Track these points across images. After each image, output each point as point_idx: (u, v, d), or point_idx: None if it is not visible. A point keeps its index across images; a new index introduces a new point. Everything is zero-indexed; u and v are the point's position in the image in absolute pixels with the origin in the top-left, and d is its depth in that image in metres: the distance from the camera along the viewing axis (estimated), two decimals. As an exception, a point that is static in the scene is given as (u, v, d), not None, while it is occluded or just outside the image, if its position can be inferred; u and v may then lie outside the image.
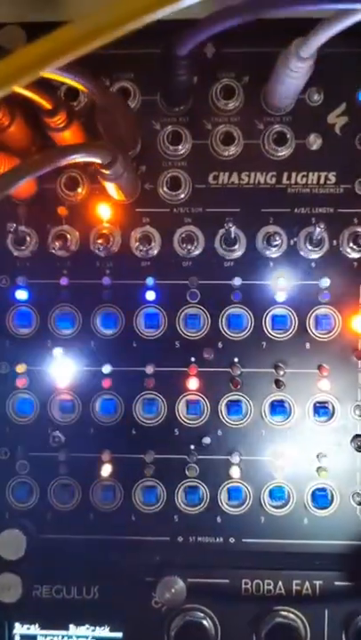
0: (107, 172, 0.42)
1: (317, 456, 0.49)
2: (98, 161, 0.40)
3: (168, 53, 0.43)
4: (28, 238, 0.50)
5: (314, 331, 0.49)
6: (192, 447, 0.50)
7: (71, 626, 0.51)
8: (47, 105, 0.41)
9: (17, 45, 0.48)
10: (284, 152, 0.49)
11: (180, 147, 0.49)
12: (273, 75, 0.45)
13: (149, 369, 0.50)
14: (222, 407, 0.50)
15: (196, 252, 0.50)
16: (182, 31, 0.41)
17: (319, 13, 0.40)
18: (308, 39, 0.39)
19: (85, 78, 0.37)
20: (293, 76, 0.43)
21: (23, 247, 0.50)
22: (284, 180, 0.50)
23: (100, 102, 0.39)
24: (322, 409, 0.50)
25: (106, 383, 0.50)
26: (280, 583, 0.50)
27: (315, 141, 0.49)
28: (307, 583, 0.50)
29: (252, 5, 0.36)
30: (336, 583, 0.50)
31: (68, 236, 0.49)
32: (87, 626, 0.51)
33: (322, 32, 0.37)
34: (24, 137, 0.46)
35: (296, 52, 0.40)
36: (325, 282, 0.49)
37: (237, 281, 0.49)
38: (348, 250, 0.49)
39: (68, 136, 0.44)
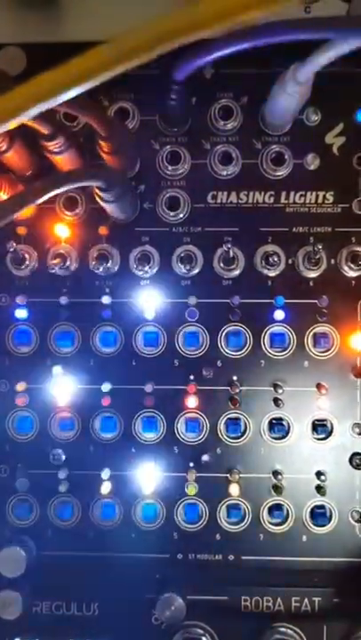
0: (105, 195, 0.42)
1: (316, 474, 0.50)
2: (97, 185, 0.40)
3: (166, 78, 0.44)
4: (27, 257, 0.50)
5: (312, 349, 0.50)
6: (191, 465, 0.50)
7: (71, 642, 0.51)
8: (45, 130, 0.41)
9: (17, 67, 0.48)
10: (282, 172, 0.50)
11: (178, 166, 0.50)
12: (271, 96, 0.46)
13: (149, 387, 0.50)
14: (221, 425, 0.50)
15: (195, 271, 0.50)
16: (181, 56, 0.41)
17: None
18: (306, 63, 0.39)
19: (92, 112, 0.37)
20: (290, 99, 0.43)
21: (23, 266, 0.50)
22: (283, 200, 0.50)
23: (105, 134, 0.39)
24: (320, 427, 0.50)
25: (105, 401, 0.51)
26: (279, 600, 0.50)
27: (313, 161, 0.50)
28: (306, 600, 0.50)
29: (252, 32, 0.36)
30: (335, 600, 0.50)
31: (68, 255, 0.50)
32: (87, 642, 0.51)
33: (320, 57, 0.38)
34: (22, 160, 0.47)
35: (294, 75, 0.41)
36: (324, 300, 0.49)
37: (236, 300, 0.50)
38: (346, 268, 0.49)
39: (67, 159, 0.44)
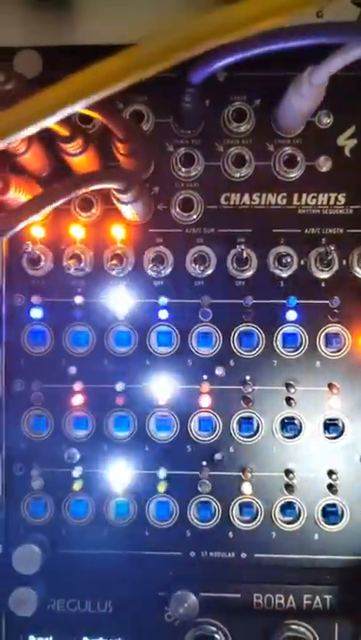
0: (123, 196, 0.43)
1: (328, 472, 0.50)
2: (115, 187, 0.41)
3: (180, 81, 0.44)
4: (42, 258, 0.51)
5: (324, 349, 0.50)
6: (204, 463, 0.51)
7: (85, 638, 0.52)
8: (64, 132, 0.42)
9: (33, 70, 0.49)
10: (294, 174, 0.50)
11: (192, 168, 0.50)
12: (284, 99, 0.46)
13: (162, 387, 0.51)
14: (234, 424, 0.51)
15: (208, 272, 0.50)
16: (197, 59, 0.42)
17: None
18: (321, 67, 0.40)
19: (111, 114, 0.38)
20: (305, 101, 0.44)
21: (38, 266, 0.51)
22: (295, 201, 0.51)
23: (122, 136, 0.40)
24: (332, 426, 0.50)
25: (119, 400, 0.51)
26: (291, 597, 0.51)
27: (325, 163, 0.50)
28: (317, 598, 0.51)
29: (268, 37, 0.37)
30: (346, 597, 0.50)
31: (83, 255, 0.50)
32: (101, 639, 0.52)
33: (335, 60, 0.38)
34: (39, 161, 0.47)
35: (309, 78, 0.41)
36: (336, 301, 0.50)
37: (249, 300, 0.50)
38: (358, 269, 0.50)
39: (84, 161, 0.45)
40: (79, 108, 0.29)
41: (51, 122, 0.28)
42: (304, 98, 0.43)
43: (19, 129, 0.28)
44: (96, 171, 0.45)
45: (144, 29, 0.51)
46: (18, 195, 0.44)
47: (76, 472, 0.51)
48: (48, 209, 0.36)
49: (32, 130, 0.28)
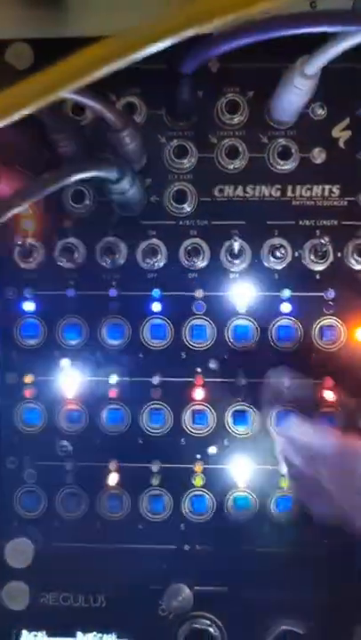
0: (116, 187, 0.43)
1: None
2: (108, 176, 0.41)
3: (173, 71, 0.44)
4: (34, 250, 0.50)
5: (319, 342, 0.50)
6: (198, 456, 0.51)
7: (78, 633, 0.51)
8: (54, 124, 0.41)
9: (24, 62, 0.48)
10: (288, 165, 0.50)
11: (185, 160, 0.50)
12: (277, 91, 0.46)
13: (156, 379, 0.51)
14: (228, 417, 0.50)
15: (202, 265, 0.50)
16: (188, 48, 0.42)
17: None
18: (313, 57, 0.40)
19: (102, 103, 0.38)
20: (298, 92, 0.43)
21: (30, 259, 0.50)
22: (289, 193, 0.50)
23: (118, 127, 0.40)
24: (327, 419, 0.50)
25: (112, 393, 0.51)
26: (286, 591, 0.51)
27: (319, 155, 0.50)
28: (312, 591, 0.50)
29: (263, 25, 0.36)
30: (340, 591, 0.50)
31: (75, 248, 0.50)
32: (94, 633, 0.51)
33: (328, 51, 0.38)
34: (32, 152, 0.47)
35: (301, 69, 0.41)
36: (330, 293, 0.50)
37: (243, 293, 0.50)
38: (353, 261, 0.50)
39: (75, 152, 0.45)
40: (66, 93, 0.28)
41: (39, 105, 0.27)
42: (296, 89, 0.43)
43: (8, 113, 0.28)
44: (89, 159, 0.45)
45: (137, 22, 0.51)
46: (10, 186, 0.44)
47: (69, 465, 0.51)
48: (39, 197, 0.36)
49: (10, 119, 0.27)
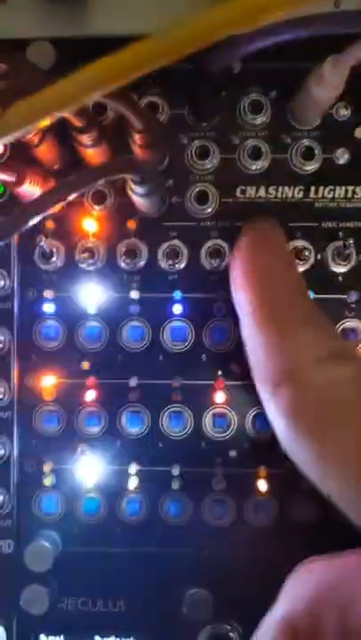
0: (139, 188, 0.42)
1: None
2: (132, 178, 0.40)
3: (196, 72, 0.44)
4: (55, 251, 0.50)
5: (341, 344, 0.49)
6: (219, 460, 0.50)
7: (97, 638, 0.51)
8: (79, 123, 0.41)
9: (46, 61, 0.48)
10: (311, 166, 0.49)
11: (207, 161, 0.49)
12: (303, 90, 0.45)
13: (176, 382, 0.50)
14: (249, 420, 0.50)
15: (223, 266, 0.50)
16: (215, 49, 0.41)
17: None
18: (342, 57, 0.39)
19: (129, 103, 0.37)
20: (325, 93, 0.43)
21: (50, 260, 0.50)
22: (312, 194, 0.50)
23: (141, 127, 0.39)
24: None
25: (132, 396, 0.50)
26: (306, 596, 0.50)
27: (342, 156, 0.49)
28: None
29: (293, 24, 0.36)
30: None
31: (96, 249, 0.50)
32: (113, 638, 0.51)
33: (358, 50, 0.38)
34: (53, 153, 0.46)
35: (330, 69, 0.40)
36: (352, 295, 0.49)
37: (265, 295, 0.50)
38: (376, 264, 0.49)
39: (99, 152, 0.44)
40: (98, 96, 0.28)
41: (70, 110, 0.27)
42: (324, 89, 0.42)
43: (37, 117, 0.28)
44: (113, 161, 0.44)
45: (158, 21, 0.51)
46: (32, 187, 0.44)
47: (87, 469, 0.50)
48: (65, 201, 0.35)
49: (49, 119, 0.27)
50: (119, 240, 0.50)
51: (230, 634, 0.50)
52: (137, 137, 0.41)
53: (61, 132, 0.46)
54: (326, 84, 0.41)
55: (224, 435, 0.50)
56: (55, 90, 0.27)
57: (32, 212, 0.33)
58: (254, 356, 0.43)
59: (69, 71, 0.48)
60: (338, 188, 0.50)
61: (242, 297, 0.44)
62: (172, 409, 0.50)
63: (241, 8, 0.24)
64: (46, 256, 0.50)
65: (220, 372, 0.50)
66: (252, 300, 0.43)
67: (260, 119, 0.49)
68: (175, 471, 0.50)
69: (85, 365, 0.51)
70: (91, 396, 0.50)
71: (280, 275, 0.44)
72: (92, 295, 0.50)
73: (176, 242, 0.50)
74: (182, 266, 0.50)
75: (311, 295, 0.49)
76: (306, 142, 0.49)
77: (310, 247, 0.49)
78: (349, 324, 0.50)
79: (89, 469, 0.50)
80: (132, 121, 0.39)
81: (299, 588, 0.35)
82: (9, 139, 0.26)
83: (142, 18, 0.51)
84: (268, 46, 0.41)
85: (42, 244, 0.49)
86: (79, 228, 0.50)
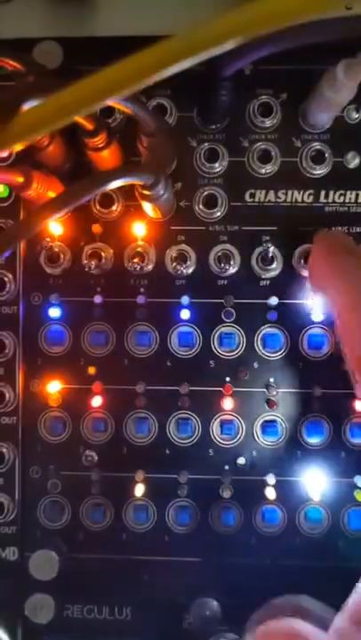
0: (148, 192, 0.41)
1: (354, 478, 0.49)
2: (142, 182, 0.40)
3: (211, 74, 0.43)
4: (61, 255, 0.49)
5: (351, 351, 0.49)
6: (226, 468, 0.50)
7: (102, 646, 0.51)
8: (89, 125, 0.40)
9: (54, 61, 0.47)
10: (321, 170, 0.49)
11: (216, 164, 0.49)
12: (314, 93, 0.45)
13: (183, 388, 0.50)
14: (257, 427, 0.49)
15: (232, 271, 0.49)
16: (228, 52, 0.40)
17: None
18: (356, 62, 0.38)
19: (139, 106, 0.36)
20: (338, 96, 0.42)
21: (56, 264, 0.49)
22: (322, 199, 0.49)
23: (150, 130, 0.39)
24: (358, 430, 0.49)
25: (139, 402, 0.50)
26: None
27: (353, 159, 0.49)
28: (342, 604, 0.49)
29: (307, 30, 0.35)
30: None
31: (103, 253, 0.49)
32: (118, 646, 0.50)
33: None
34: (61, 155, 0.46)
35: (343, 72, 0.40)
36: (363, 301, 0.49)
37: (274, 300, 0.49)
38: (386, 269, 0.48)
39: (107, 155, 0.44)
40: (112, 100, 0.27)
41: (85, 113, 0.26)
42: (337, 92, 0.42)
43: (51, 122, 0.27)
44: (123, 165, 0.43)
45: (167, 21, 0.50)
46: (39, 190, 0.43)
47: (95, 475, 0.50)
48: (74, 205, 0.35)
49: (67, 121, 0.26)
50: (126, 244, 0.49)
51: (237, 643, 0.49)
52: (146, 140, 0.40)
53: (69, 134, 0.45)
54: (339, 87, 0.41)
55: (232, 442, 0.49)
56: (72, 93, 0.26)
57: (39, 218, 0.33)
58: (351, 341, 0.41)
59: (76, 71, 0.47)
60: (348, 192, 0.49)
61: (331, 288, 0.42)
62: (179, 415, 0.50)
63: (267, 9, 0.23)
64: (52, 260, 0.49)
65: (227, 379, 0.49)
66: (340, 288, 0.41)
67: (269, 122, 0.48)
68: (182, 478, 0.49)
69: (91, 371, 0.50)
70: (97, 401, 0.50)
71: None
72: (99, 300, 0.50)
73: (184, 246, 0.49)
74: (190, 270, 0.49)
75: (319, 301, 0.49)
76: (316, 146, 0.48)
77: (320, 252, 0.48)
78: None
79: (95, 476, 0.50)
80: (143, 124, 0.38)
81: None
82: (27, 140, 0.25)
83: (150, 18, 0.51)
84: (279, 50, 0.41)
85: (48, 247, 0.48)
86: (86, 231, 0.50)
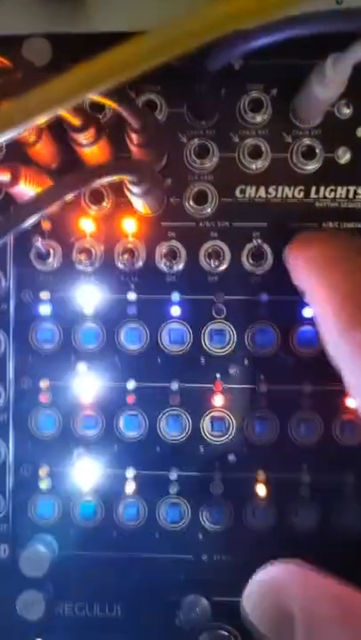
0: (136, 188, 0.41)
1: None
2: (129, 178, 0.39)
3: (195, 69, 0.43)
4: (51, 252, 0.49)
5: (342, 347, 0.49)
6: (217, 464, 0.49)
7: (93, 643, 0.51)
8: (77, 122, 0.40)
9: (43, 58, 0.47)
10: (312, 166, 0.48)
11: (206, 160, 0.48)
12: (304, 88, 0.45)
13: (174, 385, 0.49)
14: (248, 424, 0.49)
15: (222, 267, 0.49)
16: (215, 46, 0.40)
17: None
18: (345, 57, 0.38)
19: (126, 102, 0.36)
20: (327, 90, 0.42)
21: (47, 261, 0.49)
22: (313, 194, 0.49)
23: (137, 126, 0.38)
24: (348, 427, 0.49)
25: (130, 399, 0.50)
26: (305, 602, 0.49)
27: (343, 155, 0.48)
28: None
29: (295, 21, 0.35)
30: None
31: (93, 250, 0.49)
32: (110, 643, 0.50)
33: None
34: (49, 152, 0.46)
35: (332, 67, 0.40)
36: (354, 298, 0.48)
37: (264, 296, 0.49)
38: (377, 265, 0.48)
39: (96, 151, 0.43)
40: (93, 94, 0.27)
41: (65, 108, 0.26)
42: (326, 87, 0.41)
43: (31, 116, 0.27)
44: (110, 162, 0.43)
45: (156, 17, 0.50)
46: (27, 186, 0.43)
47: (84, 473, 0.50)
48: (59, 202, 0.34)
49: (45, 117, 0.26)
50: (116, 240, 0.49)
51: (228, 640, 0.49)
52: (134, 136, 0.40)
53: (58, 130, 0.45)
54: (328, 82, 0.40)
55: (223, 438, 0.49)
56: (49, 89, 0.26)
57: (27, 212, 0.33)
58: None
59: (65, 67, 0.47)
60: (339, 188, 0.49)
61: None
62: (169, 412, 0.49)
63: (244, 4, 0.23)
64: (42, 257, 0.49)
65: (218, 375, 0.49)
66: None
67: (260, 117, 0.48)
68: (173, 475, 0.49)
69: (82, 368, 0.50)
70: (87, 399, 0.50)
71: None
72: (89, 296, 0.49)
73: (174, 242, 0.49)
74: (181, 267, 0.49)
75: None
76: (307, 141, 0.48)
77: (311, 248, 0.48)
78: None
79: (86, 473, 0.50)
80: (129, 120, 0.38)
81: None
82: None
83: (140, 14, 0.50)
84: (268, 44, 0.40)
85: (38, 244, 0.48)
86: (76, 228, 0.49)
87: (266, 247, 0.48)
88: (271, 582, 0.35)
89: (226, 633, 0.49)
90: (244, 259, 0.49)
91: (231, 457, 0.49)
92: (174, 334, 0.49)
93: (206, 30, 0.23)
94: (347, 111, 0.48)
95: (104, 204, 0.49)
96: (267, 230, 0.49)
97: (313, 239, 0.44)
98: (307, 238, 0.44)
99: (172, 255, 0.49)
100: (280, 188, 0.49)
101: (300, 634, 0.32)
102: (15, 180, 0.41)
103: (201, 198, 0.49)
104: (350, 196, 0.49)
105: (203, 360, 0.50)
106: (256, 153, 0.48)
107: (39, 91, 0.26)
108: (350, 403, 0.49)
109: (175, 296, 0.49)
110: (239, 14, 0.23)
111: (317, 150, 0.48)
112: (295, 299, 0.49)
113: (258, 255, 0.48)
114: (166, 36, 0.23)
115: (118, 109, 0.36)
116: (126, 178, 0.39)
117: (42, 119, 0.25)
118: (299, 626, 0.32)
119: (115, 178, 0.37)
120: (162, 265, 0.49)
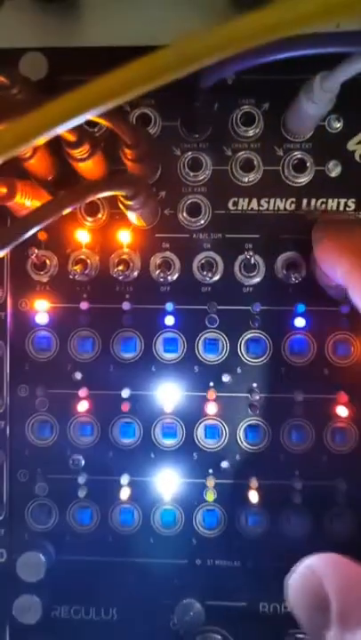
0: (130, 202, 0.42)
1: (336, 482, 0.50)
2: (123, 193, 0.40)
3: (189, 84, 0.44)
4: (47, 262, 0.50)
5: (332, 356, 0.50)
6: (210, 471, 0.50)
7: (89, 646, 0.51)
8: (72, 137, 0.41)
9: (39, 72, 0.48)
10: (303, 179, 0.49)
11: (199, 173, 0.49)
12: (295, 104, 0.45)
13: (169, 393, 0.50)
14: (241, 432, 0.50)
15: (216, 278, 0.50)
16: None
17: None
18: (333, 74, 0.39)
19: (118, 119, 0.37)
20: (316, 106, 0.43)
21: (43, 271, 0.50)
22: (304, 207, 0.50)
23: (130, 142, 0.39)
24: (339, 434, 0.50)
25: (125, 407, 0.51)
26: (297, 606, 0.50)
27: (334, 168, 0.49)
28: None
29: (285, 44, 0.36)
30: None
31: (89, 260, 0.50)
32: (105, 646, 0.51)
33: (349, 68, 0.38)
34: (45, 166, 0.46)
35: (321, 84, 0.40)
36: (345, 308, 0.49)
37: (257, 307, 0.50)
38: (367, 276, 0.49)
39: (91, 165, 0.44)
40: (89, 117, 0.28)
41: (61, 130, 0.27)
42: (315, 104, 0.42)
43: (28, 140, 0.27)
44: (103, 178, 0.44)
45: (153, 31, 0.51)
46: (23, 200, 0.44)
47: (81, 479, 0.50)
48: (54, 218, 0.35)
49: (41, 139, 0.27)
50: (112, 251, 0.50)
51: (221, 643, 0.50)
52: (127, 151, 0.41)
53: (53, 144, 0.46)
54: (317, 99, 0.41)
55: (215, 446, 0.50)
56: (44, 112, 0.27)
57: (23, 228, 0.33)
58: None
59: (62, 82, 0.48)
60: (330, 200, 0.50)
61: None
62: (163, 420, 0.50)
63: (258, 24, 0.23)
64: (39, 267, 0.50)
65: (211, 384, 0.50)
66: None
67: (252, 131, 0.49)
68: (167, 482, 0.50)
69: (78, 376, 0.51)
70: (83, 406, 0.51)
71: None
72: (85, 306, 0.50)
73: (168, 253, 0.50)
74: (175, 277, 0.50)
75: (303, 308, 0.50)
76: (298, 154, 0.49)
77: (302, 260, 0.49)
78: (341, 336, 0.50)
79: (82, 479, 0.51)
80: (122, 137, 0.39)
81: None
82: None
83: (136, 29, 0.51)
84: (264, 63, 0.41)
85: (34, 255, 0.49)
86: (72, 239, 0.50)
87: (258, 258, 0.49)
88: (309, 570, 0.38)
89: (219, 636, 0.50)
90: (236, 269, 0.50)
91: (224, 464, 0.50)
92: (168, 343, 0.50)
93: (224, 46, 0.23)
94: (337, 125, 0.49)
95: (99, 215, 0.50)
96: (259, 241, 0.50)
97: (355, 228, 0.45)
98: (348, 227, 0.45)
99: (166, 266, 0.50)
100: (272, 201, 0.50)
101: (336, 618, 0.34)
102: (11, 194, 0.42)
103: (194, 210, 0.50)
104: (341, 208, 0.50)
105: (196, 369, 0.50)
106: (248, 166, 0.49)
107: (35, 114, 0.27)
108: (341, 410, 0.50)
109: (169, 306, 0.50)
110: (251, 34, 0.24)
111: (308, 163, 0.49)
112: (287, 308, 0.50)
113: (250, 266, 0.49)
114: (185, 51, 0.23)
115: (110, 127, 0.37)
116: (120, 193, 0.40)
117: (37, 142, 0.26)
118: (335, 610, 0.35)
119: (108, 194, 0.38)
120: (156, 275, 0.50)
